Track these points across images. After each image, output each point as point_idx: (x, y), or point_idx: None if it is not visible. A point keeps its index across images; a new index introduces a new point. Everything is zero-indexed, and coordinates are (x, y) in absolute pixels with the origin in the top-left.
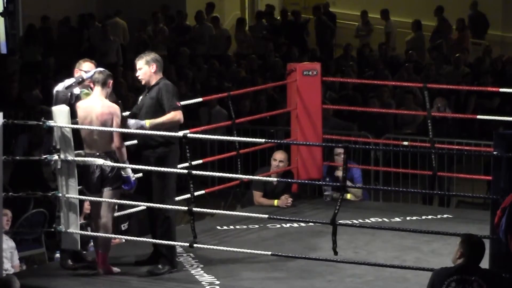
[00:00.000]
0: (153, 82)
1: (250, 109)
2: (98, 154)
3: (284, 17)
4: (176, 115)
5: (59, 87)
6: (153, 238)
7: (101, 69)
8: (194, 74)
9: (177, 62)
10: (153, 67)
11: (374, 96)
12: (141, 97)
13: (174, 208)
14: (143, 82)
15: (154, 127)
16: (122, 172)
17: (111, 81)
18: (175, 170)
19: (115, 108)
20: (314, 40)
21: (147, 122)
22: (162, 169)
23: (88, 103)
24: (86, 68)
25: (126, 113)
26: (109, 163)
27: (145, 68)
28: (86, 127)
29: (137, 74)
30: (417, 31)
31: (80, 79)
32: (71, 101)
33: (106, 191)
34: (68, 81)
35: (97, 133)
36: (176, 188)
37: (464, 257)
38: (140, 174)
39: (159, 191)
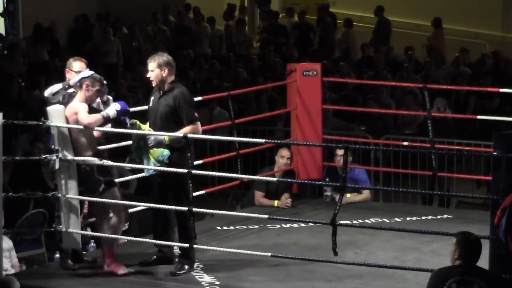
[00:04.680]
0: (166, 87)
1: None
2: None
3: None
4: (195, 129)
5: (47, 92)
6: (157, 239)
7: (89, 73)
8: (195, 74)
9: (178, 63)
10: (165, 72)
11: (372, 97)
12: (152, 98)
13: (174, 208)
14: (153, 84)
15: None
16: (106, 111)
17: (86, 83)
18: (175, 170)
19: (74, 108)
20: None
21: (166, 139)
22: (163, 168)
23: (69, 104)
24: (77, 68)
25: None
26: (109, 162)
27: (157, 71)
28: (78, 127)
29: (148, 75)
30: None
31: (67, 86)
32: (64, 101)
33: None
34: (56, 87)
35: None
36: None
37: (462, 257)
38: (142, 174)
39: (175, 197)
